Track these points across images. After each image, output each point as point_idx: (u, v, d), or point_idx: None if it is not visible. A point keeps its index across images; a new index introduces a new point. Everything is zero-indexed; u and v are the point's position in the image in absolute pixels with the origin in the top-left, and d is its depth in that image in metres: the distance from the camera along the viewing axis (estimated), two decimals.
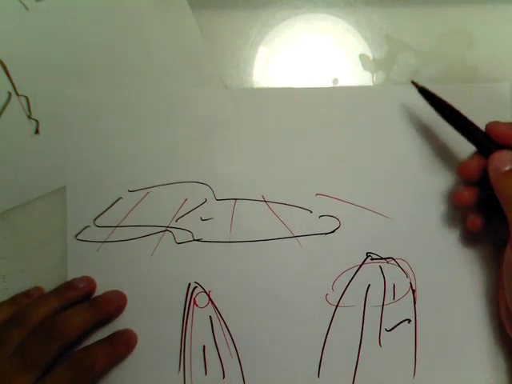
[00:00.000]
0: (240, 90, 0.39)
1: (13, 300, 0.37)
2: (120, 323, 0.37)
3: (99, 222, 0.38)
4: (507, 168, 0.32)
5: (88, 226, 0.38)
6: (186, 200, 0.38)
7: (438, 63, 0.40)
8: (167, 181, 0.38)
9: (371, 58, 0.40)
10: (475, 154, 0.35)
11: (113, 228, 0.38)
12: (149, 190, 0.38)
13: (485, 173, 0.33)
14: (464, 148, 0.37)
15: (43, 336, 0.33)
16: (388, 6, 0.40)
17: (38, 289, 0.38)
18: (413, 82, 0.35)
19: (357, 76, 0.40)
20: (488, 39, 0.40)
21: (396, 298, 0.37)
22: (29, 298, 0.37)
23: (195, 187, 0.38)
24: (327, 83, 0.40)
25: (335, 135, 0.38)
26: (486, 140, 0.33)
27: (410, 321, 0.37)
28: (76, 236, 0.38)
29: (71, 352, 0.35)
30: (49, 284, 0.38)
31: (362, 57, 0.40)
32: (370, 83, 0.40)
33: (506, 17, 0.40)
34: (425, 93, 0.35)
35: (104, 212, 0.38)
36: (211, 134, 0.38)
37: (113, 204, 0.38)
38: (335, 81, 0.40)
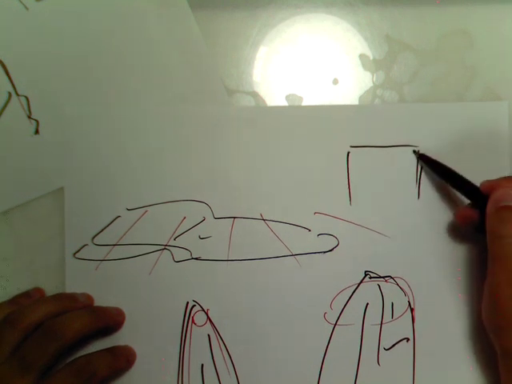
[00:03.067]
0: (241, 108, 0.39)
1: (12, 300, 0.37)
2: (119, 340, 0.37)
3: (97, 240, 0.38)
4: (502, 204, 0.33)
5: (86, 245, 0.38)
6: (184, 218, 0.38)
7: (438, 63, 0.40)
8: (165, 199, 0.38)
9: (371, 58, 0.40)
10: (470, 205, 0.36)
11: (111, 246, 0.38)
12: (147, 208, 0.38)
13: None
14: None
15: (42, 337, 0.33)
16: (388, 6, 0.40)
17: (37, 289, 0.38)
18: (414, 152, 0.38)
19: (357, 76, 0.40)
20: (488, 39, 0.40)
21: (394, 317, 0.37)
22: (28, 299, 0.37)
23: (193, 205, 0.38)
24: (327, 83, 0.40)
25: (333, 154, 0.38)
26: (479, 194, 0.35)
27: (408, 339, 0.37)
28: (74, 254, 0.38)
29: (73, 358, 0.35)
30: (49, 284, 0.38)
31: (362, 57, 0.40)
32: (370, 83, 0.40)
33: (506, 17, 0.40)
34: (424, 158, 0.38)
35: (102, 230, 0.38)
36: (210, 152, 0.38)
37: (111, 222, 0.38)
38: (335, 81, 0.40)
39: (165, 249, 0.38)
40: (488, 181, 0.35)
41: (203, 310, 0.37)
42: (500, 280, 0.32)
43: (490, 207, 0.33)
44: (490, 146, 0.38)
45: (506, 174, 0.38)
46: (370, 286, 0.38)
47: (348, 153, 0.38)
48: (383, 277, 0.38)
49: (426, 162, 0.38)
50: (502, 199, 0.33)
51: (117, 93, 0.39)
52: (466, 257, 0.37)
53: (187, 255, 0.38)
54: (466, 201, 0.37)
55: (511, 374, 0.32)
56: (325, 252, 0.38)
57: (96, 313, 0.36)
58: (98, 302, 0.37)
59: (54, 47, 0.39)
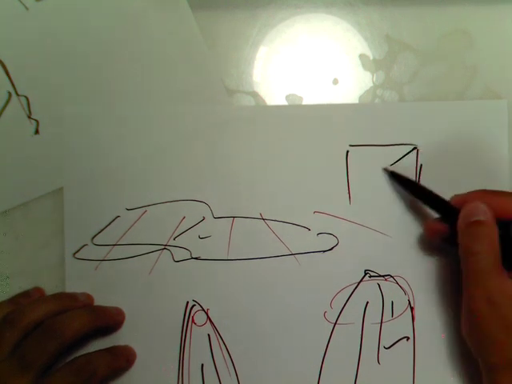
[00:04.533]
0: (240, 107, 0.39)
1: (12, 300, 0.37)
2: (118, 340, 0.37)
3: (97, 240, 0.38)
4: (473, 219, 0.32)
5: (86, 245, 0.38)
6: (183, 218, 0.38)
7: (438, 63, 0.40)
8: (165, 199, 0.38)
9: (371, 58, 0.40)
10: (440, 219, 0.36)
11: (111, 246, 0.38)
12: (146, 208, 0.38)
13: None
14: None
15: (41, 336, 0.33)
16: (388, 6, 0.40)
17: (37, 289, 0.38)
18: (384, 169, 0.38)
19: (357, 76, 0.40)
20: (488, 39, 0.40)
21: (394, 316, 0.37)
22: (28, 299, 0.37)
23: (193, 205, 0.38)
24: (327, 83, 0.40)
25: (333, 153, 0.38)
26: (449, 208, 0.35)
27: (408, 338, 0.37)
28: (74, 254, 0.38)
29: (73, 358, 0.34)
30: (49, 284, 0.38)
31: (362, 57, 0.40)
32: (370, 83, 0.40)
33: (506, 17, 0.40)
34: (395, 176, 0.37)
35: (102, 230, 0.38)
36: (209, 151, 0.38)
37: (111, 222, 0.38)
38: (335, 81, 0.40)
39: (164, 249, 0.38)
40: (458, 195, 0.35)
41: (203, 309, 0.37)
42: (475, 297, 0.31)
43: (460, 222, 0.33)
44: (489, 144, 0.38)
45: (506, 172, 0.38)
46: (369, 285, 0.38)
47: (347, 152, 0.38)
48: (383, 276, 0.38)
49: (396, 179, 0.37)
50: (472, 214, 0.33)
51: (117, 93, 0.39)
52: (453, 251, 0.37)
53: (187, 255, 0.38)
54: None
55: (489, 382, 0.32)
56: (324, 251, 0.38)
57: (96, 312, 0.36)
58: (97, 302, 0.37)
59: (54, 47, 0.39)
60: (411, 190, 0.37)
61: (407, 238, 0.38)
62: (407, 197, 0.38)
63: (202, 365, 0.37)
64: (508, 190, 0.34)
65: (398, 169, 0.38)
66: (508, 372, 0.31)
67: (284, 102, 0.40)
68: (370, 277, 0.38)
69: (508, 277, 0.31)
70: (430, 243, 0.37)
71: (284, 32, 0.40)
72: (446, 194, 0.36)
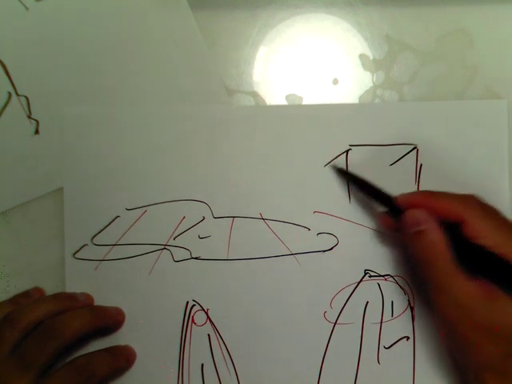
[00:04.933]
0: (240, 107, 0.39)
1: (12, 300, 0.37)
2: (118, 340, 0.37)
3: (97, 240, 0.38)
4: (415, 230, 0.32)
5: (86, 245, 0.38)
6: (183, 218, 0.38)
7: (438, 63, 0.40)
8: (165, 199, 0.38)
9: (371, 58, 0.40)
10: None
11: (111, 246, 0.38)
12: (146, 208, 0.38)
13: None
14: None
15: (41, 336, 0.33)
16: (388, 6, 0.40)
17: (37, 289, 0.38)
18: (332, 166, 0.38)
19: (357, 76, 0.40)
20: (488, 39, 0.40)
21: (394, 315, 0.37)
22: (28, 299, 0.37)
23: (193, 205, 0.38)
24: (327, 83, 0.40)
25: (333, 153, 0.38)
26: (394, 206, 0.34)
27: (408, 338, 0.37)
28: (74, 254, 0.38)
29: (73, 357, 0.35)
30: (49, 284, 0.38)
31: (362, 57, 0.40)
32: (370, 83, 0.40)
33: (506, 17, 0.40)
34: (341, 172, 0.38)
35: (102, 230, 0.38)
36: (209, 151, 0.38)
37: (110, 222, 0.38)
38: (335, 81, 0.40)
39: (164, 248, 0.38)
40: (403, 195, 0.34)
41: (203, 309, 0.37)
42: (442, 304, 0.31)
43: (405, 234, 0.33)
44: (489, 144, 0.38)
45: (506, 172, 0.38)
46: (369, 285, 0.38)
47: (347, 151, 0.38)
48: (383, 275, 0.38)
49: (342, 175, 0.38)
50: (414, 224, 0.32)
51: (116, 93, 0.39)
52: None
53: (187, 255, 0.38)
54: None
55: None
56: (324, 251, 0.38)
57: (96, 312, 0.36)
58: (97, 302, 0.37)
59: (54, 47, 0.39)
60: (359, 186, 0.37)
61: None
62: (357, 193, 0.38)
63: (202, 365, 0.37)
64: (450, 192, 0.34)
65: (398, 168, 0.38)
66: (492, 375, 0.30)
67: (284, 102, 0.40)
68: (370, 277, 0.38)
69: (467, 278, 0.31)
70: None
71: (284, 32, 0.40)
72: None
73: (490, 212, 0.32)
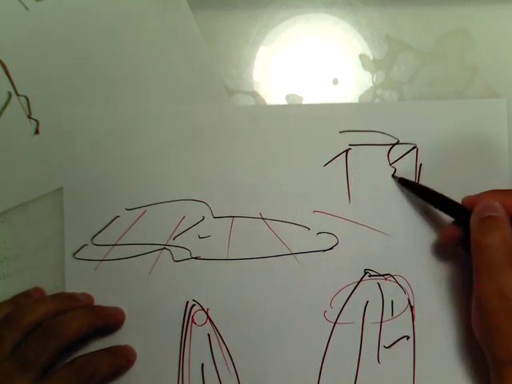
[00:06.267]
0: (240, 107, 0.39)
1: (12, 300, 0.37)
2: (118, 340, 0.37)
3: (97, 240, 0.38)
4: (486, 214, 0.33)
5: (86, 245, 0.38)
6: (183, 218, 0.38)
7: (438, 63, 0.40)
8: (164, 199, 0.38)
9: (371, 58, 0.40)
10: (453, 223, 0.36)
11: (110, 246, 0.38)
12: (146, 208, 0.38)
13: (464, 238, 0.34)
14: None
15: (41, 336, 0.33)
16: (388, 6, 0.40)
17: (37, 289, 0.38)
18: (393, 176, 0.38)
19: (357, 76, 0.40)
20: (488, 39, 0.40)
21: (394, 315, 0.37)
22: (28, 299, 0.37)
23: (192, 205, 0.38)
24: (327, 83, 0.40)
25: (333, 152, 0.38)
26: (461, 211, 0.35)
27: (408, 337, 0.37)
28: (74, 254, 0.38)
29: (73, 358, 0.34)
30: (49, 284, 0.38)
31: (362, 57, 0.40)
32: (370, 83, 0.40)
33: (506, 17, 0.40)
34: (404, 182, 0.37)
35: (102, 230, 0.38)
36: (209, 151, 0.38)
37: (110, 222, 0.38)
38: (335, 81, 0.40)
39: (164, 248, 0.38)
40: (470, 196, 0.35)
41: (203, 309, 0.37)
42: (486, 290, 0.32)
43: (473, 219, 0.33)
44: (488, 143, 0.38)
45: (506, 171, 0.38)
46: (369, 285, 0.38)
47: (347, 151, 0.38)
48: (383, 275, 0.38)
49: (406, 185, 0.37)
50: (486, 210, 0.33)
51: (116, 93, 0.39)
52: (466, 254, 0.37)
53: (187, 255, 0.38)
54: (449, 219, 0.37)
55: (496, 377, 0.32)
56: (324, 251, 0.38)
57: (96, 312, 0.36)
58: (97, 302, 0.37)
59: (54, 47, 0.39)
60: (421, 194, 0.37)
61: (407, 237, 0.38)
62: (416, 201, 0.38)
63: (202, 364, 0.37)
64: None
65: (398, 168, 0.38)
66: None
67: (284, 102, 0.40)
68: (370, 276, 0.38)
69: None
70: (441, 246, 0.38)
71: (284, 32, 0.40)
72: (446, 192, 0.36)
73: None
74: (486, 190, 0.34)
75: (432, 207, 0.37)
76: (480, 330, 0.33)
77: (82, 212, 0.38)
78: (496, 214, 0.32)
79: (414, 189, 0.37)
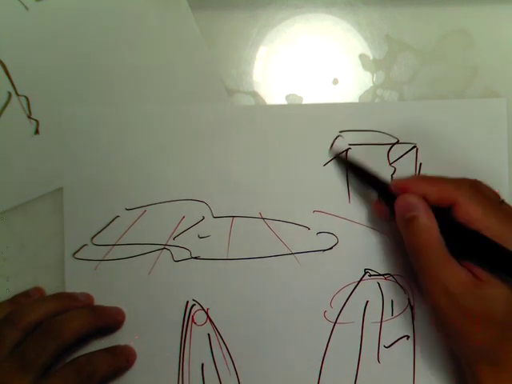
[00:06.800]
0: (240, 107, 0.39)
1: (12, 300, 0.37)
2: (118, 340, 0.37)
3: (97, 240, 0.38)
4: (407, 216, 0.32)
5: (86, 245, 0.38)
6: (183, 218, 0.38)
7: (438, 63, 0.40)
8: (164, 199, 0.38)
9: (371, 58, 0.40)
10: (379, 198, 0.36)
11: (110, 246, 0.38)
12: (146, 208, 0.38)
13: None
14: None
15: (41, 336, 0.33)
16: (388, 6, 0.40)
17: (37, 289, 0.38)
18: (334, 158, 0.38)
19: (357, 76, 0.40)
20: (488, 39, 0.40)
21: (394, 315, 0.37)
22: (28, 299, 0.37)
23: (192, 205, 0.38)
24: (327, 83, 0.40)
25: (332, 152, 0.38)
26: (388, 192, 0.34)
27: (408, 337, 0.37)
28: (74, 254, 0.38)
29: (73, 357, 0.34)
30: (49, 284, 0.38)
31: (362, 57, 0.40)
32: (370, 83, 0.40)
33: (506, 17, 0.40)
34: (340, 160, 0.38)
35: (101, 230, 0.38)
36: (209, 151, 0.38)
37: (110, 222, 0.38)
38: (335, 81, 0.40)
39: (164, 248, 0.38)
40: (396, 181, 0.34)
41: (203, 309, 0.37)
42: (432, 291, 0.31)
43: (397, 220, 0.33)
44: (488, 142, 0.38)
45: (506, 170, 0.38)
46: (369, 284, 0.38)
47: (347, 150, 0.38)
48: (383, 274, 0.38)
49: (342, 164, 0.38)
50: (405, 210, 0.32)
51: (116, 93, 0.39)
52: None
53: (187, 254, 0.38)
54: None
55: (472, 379, 0.31)
56: (324, 250, 0.38)
57: (96, 312, 0.36)
58: (97, 302, 0.37)
59: (54, 47, 0.39)
60: (357, 173, 0.37)
61: None
62: (354, 181, 0.38)
63: (202, 364, 0.37)
64: (444, 176, 0.34)
65: (398, 167, 0.38)
66: (485, 365, 0.30)
67: (284, 102, 0.40)
68: (370, 276, 0.38)
69: (458, 264, 0.31)
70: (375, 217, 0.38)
71: (284, 32, 0.40)
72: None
73: (482, 194, 0.32)
74: None
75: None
76: (442, 333, 0.33)
77: (81, 212, 0.38)
78: (416, 213, 0.32)
79: (349, 166, 0.37)
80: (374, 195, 0.38)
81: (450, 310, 0.30)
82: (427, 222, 0.31)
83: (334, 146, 0.38)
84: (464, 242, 0.31)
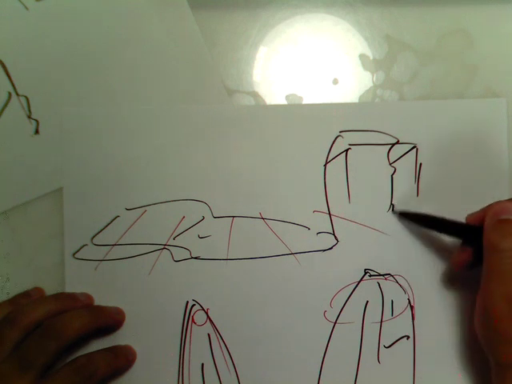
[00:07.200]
0: (240, 107, 0.39)
1: (12, 300, 0.37)
2: (118, 340, 0.37)
3: (97, 240, 0.38)
4: (503, 217, 0.32)
5: (86, 245, 0.38)
6: (183, 218, 0.38)
7: (438, 63, 0.40)
8: (164, 198, 0.38)
9: (371, 58, 0.40)
10: (462, 245, 0.35)
11: (110, 246, 0.38)
12: (146, 208, 0.38)
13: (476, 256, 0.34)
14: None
15: (41, 335, 0.33)
16: (388, 6, 0.40)
17: (37, 289, 0.38)
18: (393, 211, 0.38)
19: (357, 76, 0.40)
20: (488, 39, 0.40)
21: (394, 315, 0.37)
22: (28, 299, 0.37)
23: (192, 205, 0.38)
24: (327, 83, 0.40)
25: (332, 152, 0.38)
26: (469, 229, 0.34)
27: (408, 337, 0.37)
28: (74, 254, 0.38)
29: (74, 358, 0.34)
30: (49, 284, 0.38)
31: (362, 57, 0.40)
32: (370, 83, 0.40)
33: (506, 17, 0.40)
34: (405, 215, 0.37)
35: (101, 230, 0.38)
36: (209, 151, 0.38)
37: (110, 222, 0.38)
38: (335, 81, 0.40)
39: (164, 248, 0.38)
40: (472, 213, 0.35)
41: (203, 309, 0.37)
42: (495, 294, 0.31)
43: (488, 221, 0.33)
44: (488, 142, 0.38)
45: (506, 170, 0.38)
46: (369, 284, 0.38)
47: (347, 150, 0.38)
48: (383, 275, 0.38)
49: (407, 217, 0.37)
50: (501, 212, 0.32)
51: (116, 93, 0.39)
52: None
53: (187, 255, 0.38)
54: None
55: (499, 380, 0.32)
56: (324, 250, 0.38)
57: (96, 312, 0.36)
58: (97, 302, 0.37)
59: (54, 47, 0.39)
60: (424, 223, 0.36)
61: (407, 236, 0.38)
62: (419, 230, 0.38)
63: (202, 364, 0.37)
64: None
65: (398, 167, 0.38)
66: None
67: (284, 102, 0.40)
68: (370, 276, 0.38)
69: None
70: (428, 243, 0.38)
71: (284, 32, 0.40)
72: (446, 192, 0.36)
73: None
74: (485, 189, 0.35)
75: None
76: (483, 333, 0.33)
77: (81, 212, 0.38)
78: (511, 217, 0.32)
79: (415, 219, 0.37)
80: (374, 195, 0.38)
81: (505, 316, 0.31)
82: None
83: (394, 208, 0.38)
84: None
